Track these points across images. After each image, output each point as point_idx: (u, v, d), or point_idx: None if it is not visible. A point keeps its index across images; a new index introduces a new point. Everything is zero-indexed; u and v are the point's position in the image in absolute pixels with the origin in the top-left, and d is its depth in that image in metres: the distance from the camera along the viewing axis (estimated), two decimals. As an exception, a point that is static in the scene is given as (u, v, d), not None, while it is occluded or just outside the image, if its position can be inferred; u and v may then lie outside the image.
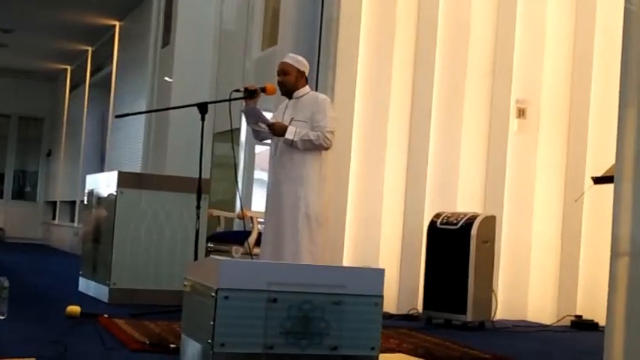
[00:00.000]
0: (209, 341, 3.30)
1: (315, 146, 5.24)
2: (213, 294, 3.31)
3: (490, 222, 6.25)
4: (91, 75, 16.41)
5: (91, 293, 6.74)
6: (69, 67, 18.51)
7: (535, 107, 7.13)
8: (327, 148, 5.32)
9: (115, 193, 6.30)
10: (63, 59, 17.73)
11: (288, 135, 5.20)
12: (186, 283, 3.77)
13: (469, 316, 6.03)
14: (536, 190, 7.09)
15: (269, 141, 5.53)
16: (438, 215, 6.40)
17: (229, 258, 6.27)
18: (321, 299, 3.42)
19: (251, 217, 6.57)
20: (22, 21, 14.26)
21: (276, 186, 5.28)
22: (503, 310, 6.72)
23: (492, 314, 6.26)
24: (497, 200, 6.94)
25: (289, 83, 5.37)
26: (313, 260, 5.11)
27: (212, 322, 3.29)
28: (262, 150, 8.53)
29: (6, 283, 4.86)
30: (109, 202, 6.44)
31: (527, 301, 7.02)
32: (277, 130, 5.23)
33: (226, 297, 3.31)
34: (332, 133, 5.29)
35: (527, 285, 7.02)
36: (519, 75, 7.11)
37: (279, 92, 5.50)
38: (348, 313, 3.46)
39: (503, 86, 7.07)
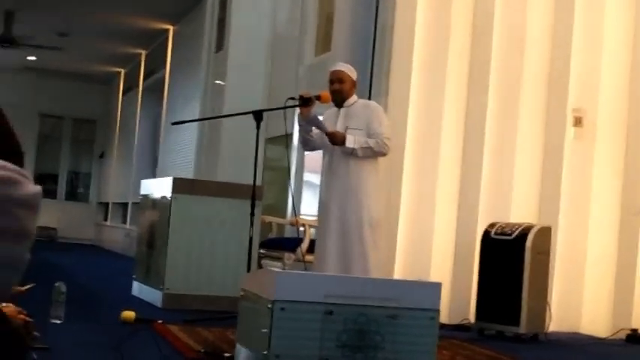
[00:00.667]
0: (264, 352, 3.30)
1: (375, 153, 5.26)
2: (270, 305, 3.32)
3: (546, 233, 6.17)
4: (144, 78, 16.59)
5: (144, 297, 6.80)
6: (122, 70, 18.74)
7: (592, 115, 7.01)
8: (385, 154, 5.35)
9: (169, 199, 6.34)
10: (116, 62, 17.96)
11: (348, 144, 5.19)
12: (242, 293, 3.78)
13: (522, 328, 5.94)
14: (593, 201, 6.97)
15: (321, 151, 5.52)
16: (492, 225, 6.33)
17: (282, 266, 6.29)
18: (377, 312, 3.41)
19: (303, 224, 6.57)
20: (77, 24, 14.47)
21: (334, 196, 5.27)
22: (557, 322, 6.60)
23: (546, 326, 6.17)
24: (552, 210, 6.84)
25: (345, 91, 5.36)
26: (377, 267, 5.13)
27: (268, 334, 3.30)
28: (312, 152, 8.51)
29: (63, 288, 4.92)
30: (164, 207, 6.49)
31: (581, 313, 6.90)
32: (338, 139, 5.22)
33: (282, 308, 3.31)
34: (389, 139, 5.30)
35: (581, 297, 6.91)
36: (576, 83, 6.99)
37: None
38: (403, 327, 3.44)
39: (560, 94, 6.96)
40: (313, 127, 5.37)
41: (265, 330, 3.31)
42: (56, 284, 4.93)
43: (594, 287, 6.91)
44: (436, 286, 3.58)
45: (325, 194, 5.36)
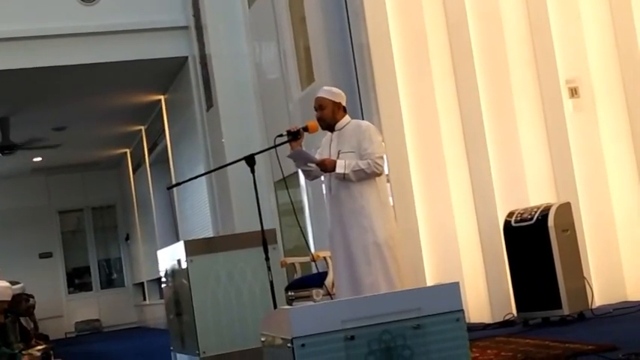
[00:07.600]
0: (296, 393, 3.20)
1: (368, 175, 5.11)
2: (290, 344, 3.22)
3: (566, 209, 6.03)
4: (149, 152, 16.62)
5: (184, 366, 6.70)
6: (128, 150, 18.80)
7: (587, 83, 6.89)
8: (380, 174, 5.18)
9: (185, 263, 6.27)
10: (120, 144, 18.00)
11: (339, 169, 5.09)
12: (262, 338, 3.69)
13: (565, 310, 5.80)
14: (608, 167, 6.83)
15: (322, 178, 5.44)
16: (511, 214, 6.21)
17: (310, 303, 6.18)
18: (400, 326, 3.30)
19: (324, 258, 6.48)
20: (72, 116, 14.53)
21: (338, 222, 5.18)
22: (601, 295, 6.46)
23: (590, 302, 6.01)
24: (569, 186, 6.70)
25: (327, 117, 5.28)
26: (391, 288, 4.96)
27: (294, 373, 3.19)
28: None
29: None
30: (182, 272, 6.41)
31: (624, 281, 6.73)
32: (328, 167, 5.14)
33: (303, 345, 3.21)
34: (381, 158, 5.17)
35: (620, 264, 6.74)
36: (563, 55, 6.88)
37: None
38: (430, 334, 3.32)
39: (549, 70, 6.85)
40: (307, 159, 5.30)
41: (291, 370, 3.21)
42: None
43: (631, 251, 6.76)
44: (454, 286, 3.45)
45: (330, 222, 5.27)
